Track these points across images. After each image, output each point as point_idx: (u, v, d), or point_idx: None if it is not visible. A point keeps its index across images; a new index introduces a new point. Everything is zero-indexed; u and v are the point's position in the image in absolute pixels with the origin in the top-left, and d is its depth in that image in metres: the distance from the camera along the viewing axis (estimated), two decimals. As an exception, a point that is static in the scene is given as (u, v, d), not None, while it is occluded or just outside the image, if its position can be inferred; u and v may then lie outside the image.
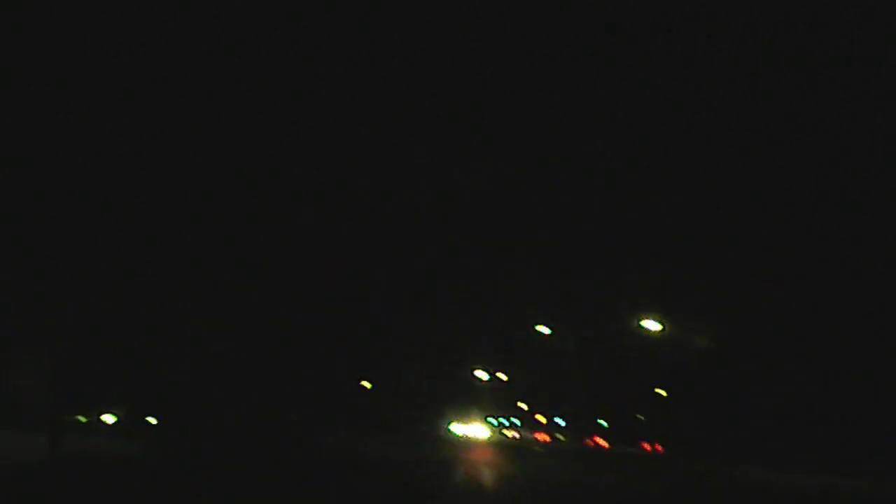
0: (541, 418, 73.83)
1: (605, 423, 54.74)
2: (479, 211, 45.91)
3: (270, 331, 39.72)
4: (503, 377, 63.34)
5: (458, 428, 75.56)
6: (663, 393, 47.19)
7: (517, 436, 75.77)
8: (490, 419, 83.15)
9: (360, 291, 49.44)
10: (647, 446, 53.01)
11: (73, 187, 26.82)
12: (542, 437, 59.14)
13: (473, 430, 74.68)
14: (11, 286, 26.21)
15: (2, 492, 13.78)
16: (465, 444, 52.68)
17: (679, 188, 36.76)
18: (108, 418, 32.57)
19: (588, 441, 45.40)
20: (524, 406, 76.33)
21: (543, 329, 44.55)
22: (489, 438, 69.15)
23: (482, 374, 63.09)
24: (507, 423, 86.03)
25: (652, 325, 37.10)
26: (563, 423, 64.64)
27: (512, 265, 49.34)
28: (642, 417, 49.47)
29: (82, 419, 31.87)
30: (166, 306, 31.77)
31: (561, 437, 60.91)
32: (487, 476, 21.46)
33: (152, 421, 34.34)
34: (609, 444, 48.62)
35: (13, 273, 26.42)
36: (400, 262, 50.58)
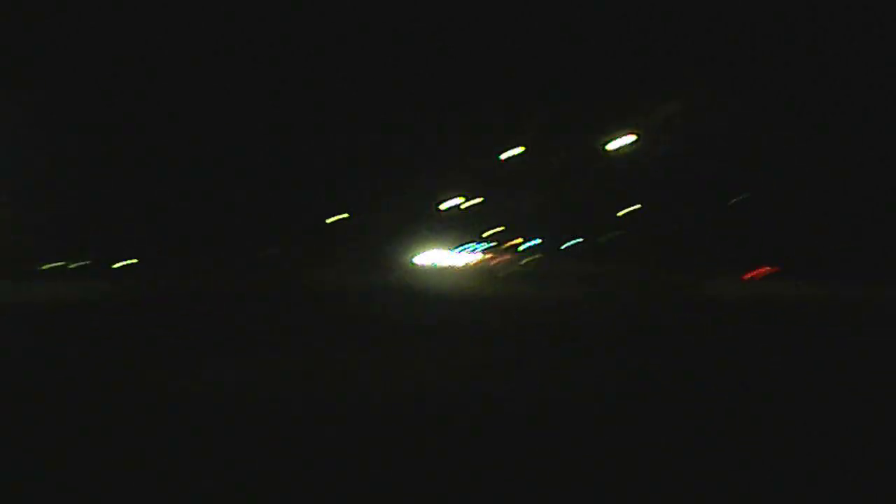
0: (516, 242, 74.49)
1: (579, 242, 55.19)
2: (442, 40, 43.88)
3: (241, 168, 38.92)
4: (475, 202, 63.22)
5: (427, 257, 75.78)
6: (637, 207, 47.29)
7: (493, 260, 76.65)
8: (463, 246, 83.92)
9: (331, 123, 48.11)
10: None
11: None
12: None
13: (447, 257, 75.07)
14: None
15: None
16: (440, 272, 53.25)
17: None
18: (76, 264, 31.92)
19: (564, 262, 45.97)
20: (498, 230, 76.81)
21: (515, 151, 43.89)
22: (466, 265, 69.91)
23: (454, 202, 62.86)
24: (481, 249, 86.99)
25: (624, 141, 36.77)
26: (537, 244, 65.13)
27: (480, 91, 47.93)
28: (619, 233, 49.79)
29: (51, 266, 31.26)
30: (130, 150, 30.63)
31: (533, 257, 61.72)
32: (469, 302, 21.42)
33: (122, 264, 33.79)
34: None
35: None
36: (367, 94, 48.86)
